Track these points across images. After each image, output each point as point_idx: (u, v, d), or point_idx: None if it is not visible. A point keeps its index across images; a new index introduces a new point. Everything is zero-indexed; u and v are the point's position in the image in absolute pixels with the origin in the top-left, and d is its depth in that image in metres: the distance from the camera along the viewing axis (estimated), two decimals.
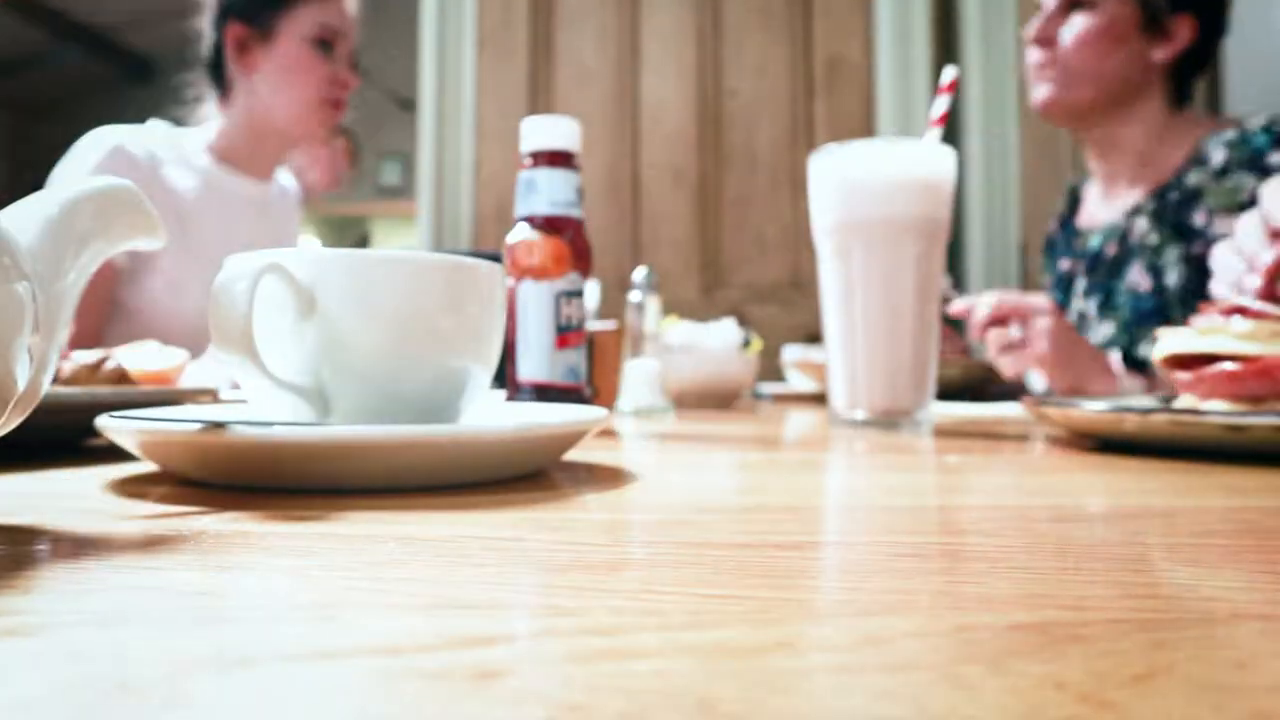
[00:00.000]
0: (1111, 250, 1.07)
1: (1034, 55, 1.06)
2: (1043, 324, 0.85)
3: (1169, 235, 1.00)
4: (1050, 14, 1.05)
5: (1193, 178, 1.00)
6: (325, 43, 1.16)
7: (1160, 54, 1.03)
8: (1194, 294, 0.96)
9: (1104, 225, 1.10)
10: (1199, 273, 0.97)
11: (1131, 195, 1.08)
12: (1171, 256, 0.99)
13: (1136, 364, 0.88)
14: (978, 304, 0.88)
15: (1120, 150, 1.08)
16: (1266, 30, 1.50)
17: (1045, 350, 0.84)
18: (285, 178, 1.33)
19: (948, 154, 0.62)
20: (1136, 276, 1.03)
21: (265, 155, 1.22)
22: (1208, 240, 0.97)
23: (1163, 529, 0.24)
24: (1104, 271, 1.08)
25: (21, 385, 0.21)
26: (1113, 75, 1.03)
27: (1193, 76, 1.07)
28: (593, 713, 0.10)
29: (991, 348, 0.88)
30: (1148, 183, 1.06)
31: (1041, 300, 0.87)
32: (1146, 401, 0.55)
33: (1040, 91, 1.06)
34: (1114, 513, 0.27)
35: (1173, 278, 0.99)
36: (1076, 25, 1.02)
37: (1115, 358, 0.87)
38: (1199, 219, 0.98)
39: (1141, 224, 1.03)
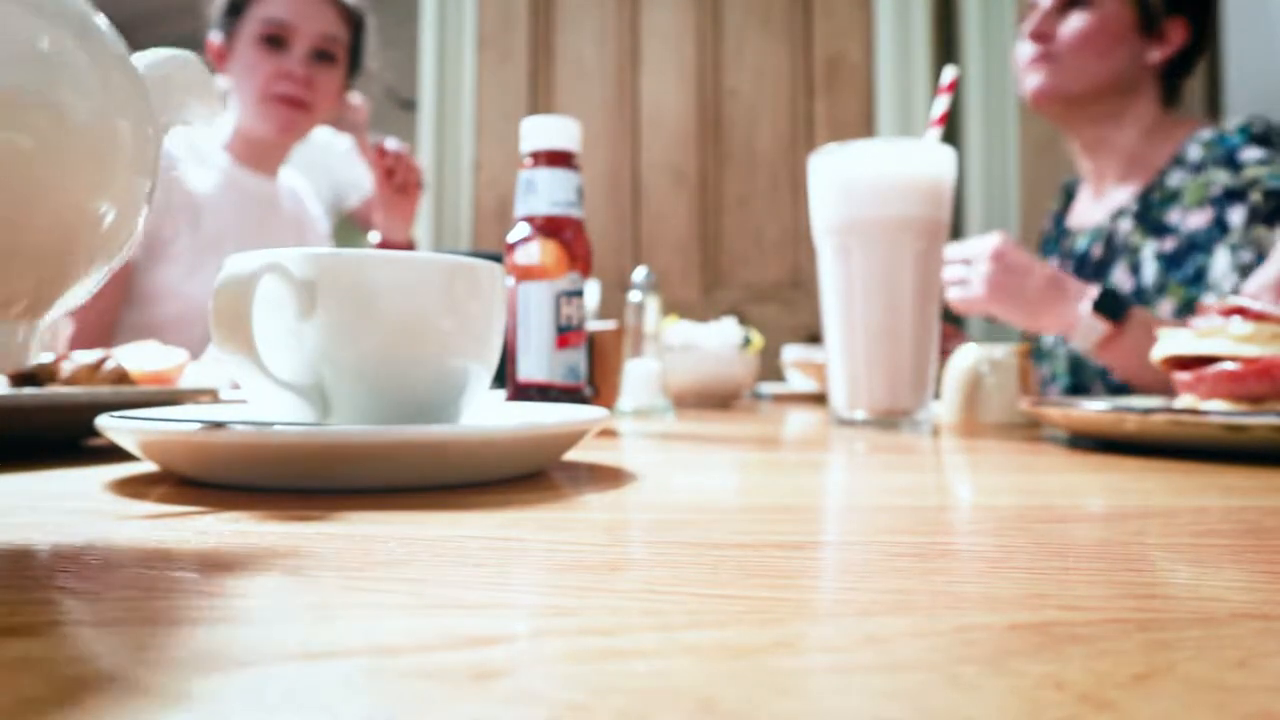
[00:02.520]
0: (1098, 252, 1.08)
1: (1026, 50, 1.07)
2: (980, 269, 0.86)
3: (1147, 232, 1.02)
4: (1047, 11, 1.05)
5: (1173, 178, 1.01)
6: (273, 38, 1.17)
7: (1155, 55, 1.04)
8: (1161, 289, 0.98)
9: (1092, 227, 1.11)
10: (1169, 267, 0.99)
11: (1118, 196, 1.09)
12: (1147, 253, 1.01)
13: (1111, 305, 0.86)
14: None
15: (1109, 149, 1.09)
16: (1266, 31, 1.50)
17: (981, 294, 0.85)
18: (298, 183, 1.36)
19: (948, 154, 0.62)
20: (1120, 276, 1.04)
21: (265, 154, 1.26)
22: (1178, 235, 0.98)
23: (1163, 529, 0.24)
24: (1090, 272, 1.08)
25: (139, 227, 0.20)
26: (1107, 72, 1.04)
27: (1182, 79, 1.09)
28: (593, 713, 0.10)
29: (946, 289, 0.88)
30: (1135, 183, 1.07)
31: (986, 243, 0.87)
32: (1146, 402, 0.55)
33: (1032, 80, 1.07)
34: (1114, 513, 0.27)
35: (1149, 274, 1.00)
36: (1074, 22, 1.03)
37: (1090, 292, 0.85)
38: (1173, 216, 1.00)
39: (1125, 225, 1.04)
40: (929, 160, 0.61)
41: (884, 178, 0.61)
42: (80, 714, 0.10)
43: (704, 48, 2.13)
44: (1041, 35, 1.05)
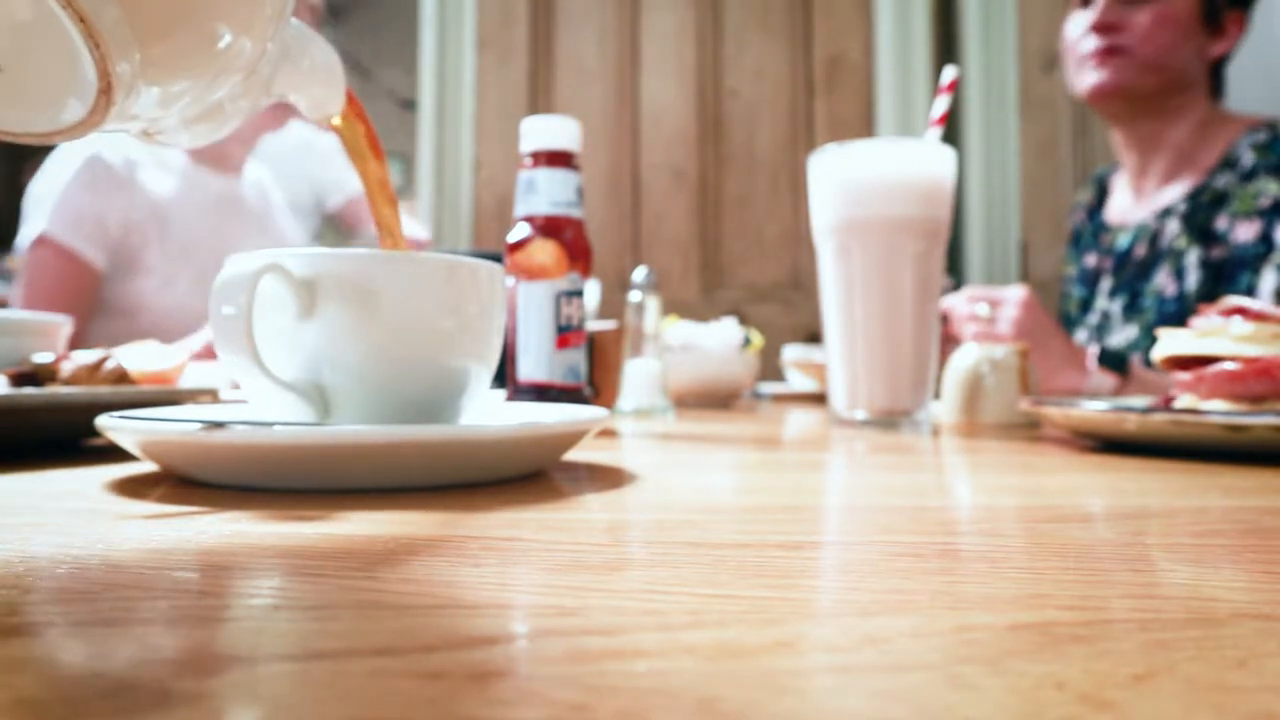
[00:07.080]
0: (1141, 251, 1.05)
1: (1090, 43, 1.03)
2: (1009, 311, 0.86)
3: (1194, 238, 0.98)
4: (1110, 1, 1.02)
5: (1222, 180, 0.98)
6: None
7: (1216, 49, 1.01)
8: (1210, 299, 0.94)
9: (1135, 224, 1.08)
10: (1216, 277, 0.96)
11: (1165, 194, 1.05)
12: (1192, 259, 0.98)
13: (1115, 361, 0.87)
14: (954, 304, 0.89)
15: (1160, 145, 1.06)
16: (1267, 30, 1.50)
17: (1007, 335, 0.85)
18: (262, 175, 1.35)
19: (948, 154, 0.62)
20: (1163, 280, 1.01)
21: (227, 153, 1.25)
22: (1227, 245, 0.95)
23: (1163, 529, 0.24)
24: (1131, 273, 1.05)
25: (271, 49, 0.20)
26: (1176, 66, 1.00)
27: (1223, 70, 1.06)
28: (593, 713, 0.10)
29: (960, 324, 0.88)
30: (1183, 182, 1.03)
31: (1015, 291, 0.87)
32: (1146, 402, 0.55)
33: (1094, 76, 1.02)
34: (1114, 513, 0.27)
35: (1192, 281, 0.97)
36: (1146, 13, 1.00)
37: (1091, 352, 0.87)
38: (1221, 223, 0.97)
39: (1173, 226, 1.01)
40: (929, 160, 0.61)
41: (884, 178, 0.61)
42: (80, 714, 0.10)
43: (704, 48, 2.13)
44: (1109, 26, 1.01)
